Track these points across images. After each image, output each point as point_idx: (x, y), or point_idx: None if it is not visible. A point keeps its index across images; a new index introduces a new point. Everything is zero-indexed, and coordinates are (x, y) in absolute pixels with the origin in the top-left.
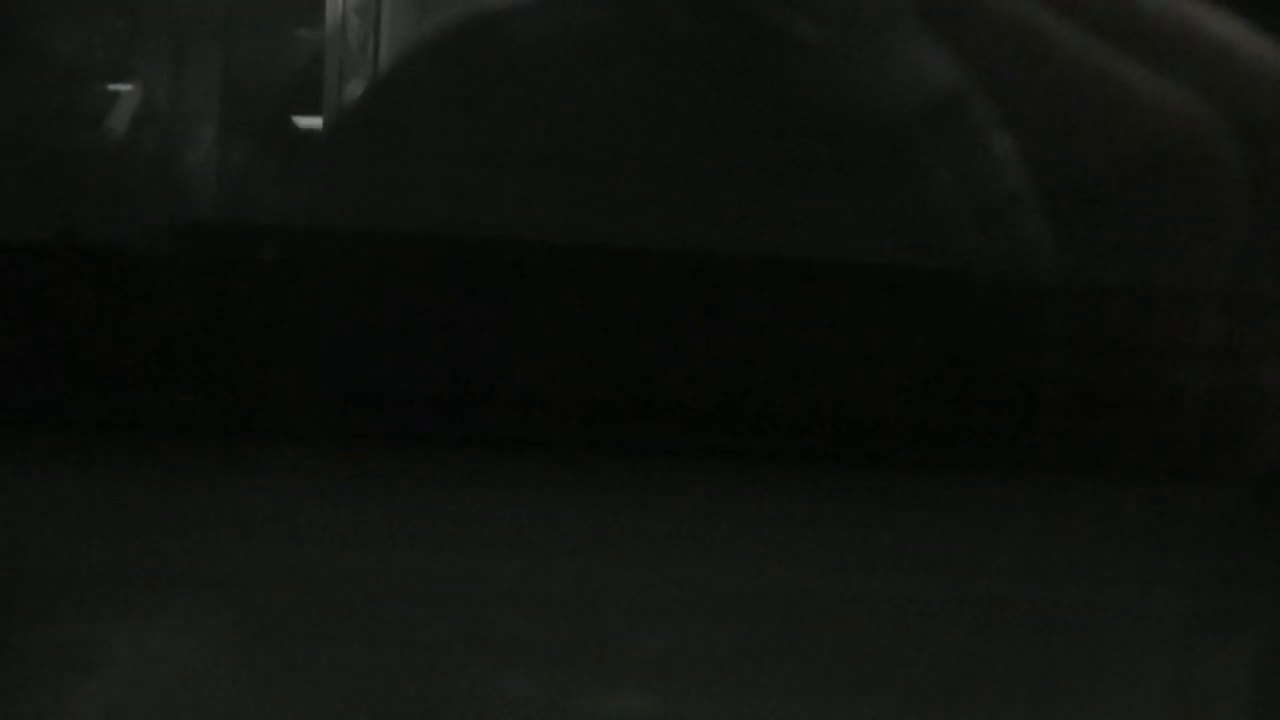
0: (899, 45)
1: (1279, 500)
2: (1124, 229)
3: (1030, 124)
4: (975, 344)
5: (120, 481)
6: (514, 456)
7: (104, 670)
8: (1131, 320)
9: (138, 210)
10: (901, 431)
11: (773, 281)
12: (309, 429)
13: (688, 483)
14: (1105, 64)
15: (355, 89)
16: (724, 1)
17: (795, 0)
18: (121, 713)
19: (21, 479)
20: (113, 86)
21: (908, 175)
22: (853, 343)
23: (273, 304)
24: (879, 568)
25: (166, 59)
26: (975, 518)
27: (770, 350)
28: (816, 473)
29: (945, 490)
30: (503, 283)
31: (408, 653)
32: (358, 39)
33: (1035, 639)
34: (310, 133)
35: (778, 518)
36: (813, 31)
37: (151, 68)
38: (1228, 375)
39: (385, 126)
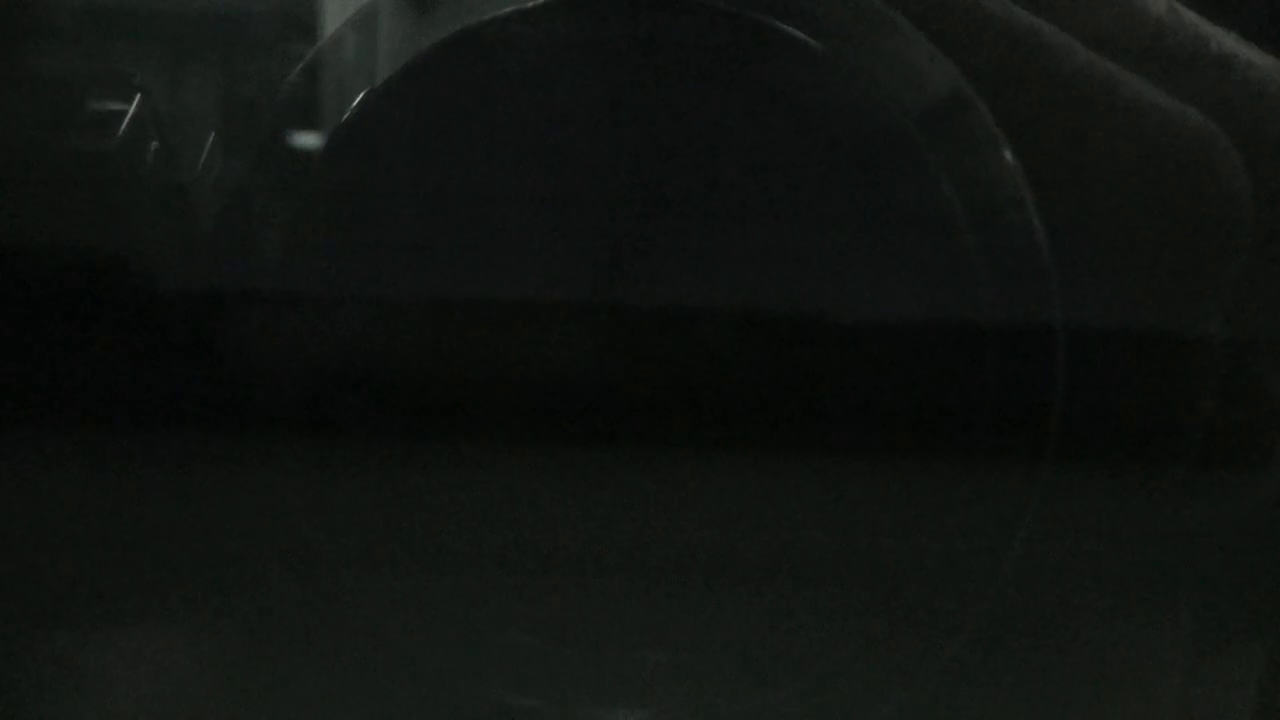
0: (899, 51)
1: None
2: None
3: (1032, 134)
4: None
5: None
6: (516, 464)
7: (103, 671)
8: (1135, 324)
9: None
10: (897, 435)
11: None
12: (311, 436)
13: (693, 492)
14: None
15: (351, 104)
16: (722, 10)
17: (793, 8)
18: (120, 714)
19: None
20: (106, 101)
21: (909, 182)
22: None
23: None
24: (882, 576)
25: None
26: (977, 522)
27: (775, 359)
28: (822, 481)
29: (949, 496)
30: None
31: (407, 664)
32: (354, 54)
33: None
34: (307, 149)
35: (782, 525)
36: (811, 39)
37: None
38: (1233, 383)
39: (381, 142)
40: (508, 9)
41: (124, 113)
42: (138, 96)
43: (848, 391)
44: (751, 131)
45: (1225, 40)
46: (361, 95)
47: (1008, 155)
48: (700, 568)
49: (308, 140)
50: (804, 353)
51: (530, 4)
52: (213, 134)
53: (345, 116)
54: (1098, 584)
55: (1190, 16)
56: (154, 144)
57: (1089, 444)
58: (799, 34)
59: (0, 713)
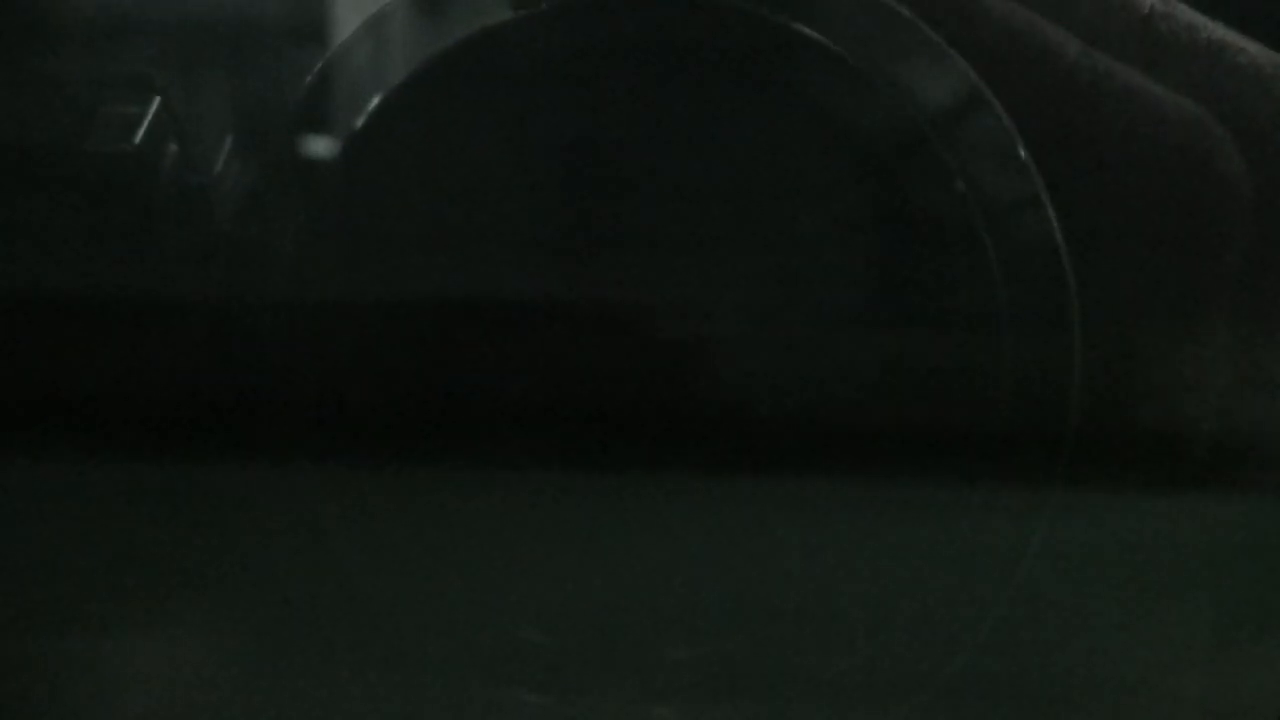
0: (914, 52)
1: None
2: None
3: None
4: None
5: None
6: (530, 465)
7: (104, 672)
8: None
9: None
10: (917, 438)
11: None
12: (317, 435)
13: (711, 492)
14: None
15: (364, 109)
16: (735, 11)
17: (806, 8)
18: (120, 714)
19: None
20: (125, 104)
21: (925, 182)
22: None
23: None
24: (902, 575)
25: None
26: (996, 523)
27: (783, 354)
28: (835, 482)
29: (966, 497)
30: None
31: (422, 664)
32: (368, 58)
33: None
34: (320, 155)
35: (800, 526)
36: (824, 40)
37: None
38: (1244, 374)
39: (396, 146)
40: (521, 11)
41: (143, 116)
42: (156, 100)
43: (860, 395)
44: (767, 133)
45: (1215, 28)
46: (376, 99)
47: (1022, 153)
48: (722, 568)
49: (323, 144)
50: (817, 355)
51: (544, 6)
52: (230, 137)
53: (360, 121)
54: (1117, 581)
55: (1181, 5)
56: (172, 147)
57: (1104, 441)
58: (815, 35)
59: (16, 713)
